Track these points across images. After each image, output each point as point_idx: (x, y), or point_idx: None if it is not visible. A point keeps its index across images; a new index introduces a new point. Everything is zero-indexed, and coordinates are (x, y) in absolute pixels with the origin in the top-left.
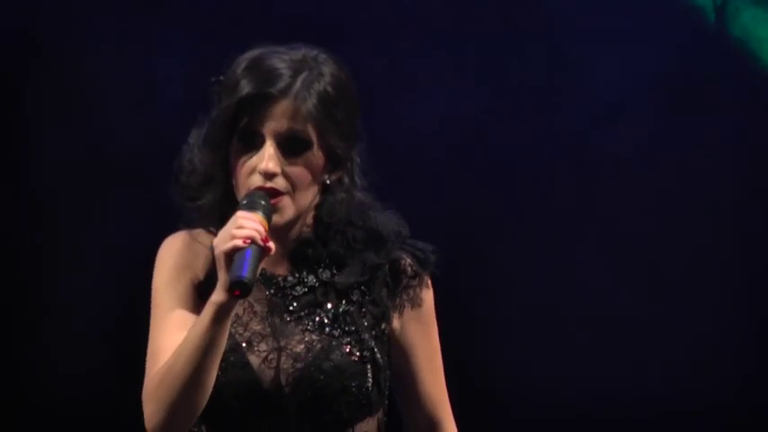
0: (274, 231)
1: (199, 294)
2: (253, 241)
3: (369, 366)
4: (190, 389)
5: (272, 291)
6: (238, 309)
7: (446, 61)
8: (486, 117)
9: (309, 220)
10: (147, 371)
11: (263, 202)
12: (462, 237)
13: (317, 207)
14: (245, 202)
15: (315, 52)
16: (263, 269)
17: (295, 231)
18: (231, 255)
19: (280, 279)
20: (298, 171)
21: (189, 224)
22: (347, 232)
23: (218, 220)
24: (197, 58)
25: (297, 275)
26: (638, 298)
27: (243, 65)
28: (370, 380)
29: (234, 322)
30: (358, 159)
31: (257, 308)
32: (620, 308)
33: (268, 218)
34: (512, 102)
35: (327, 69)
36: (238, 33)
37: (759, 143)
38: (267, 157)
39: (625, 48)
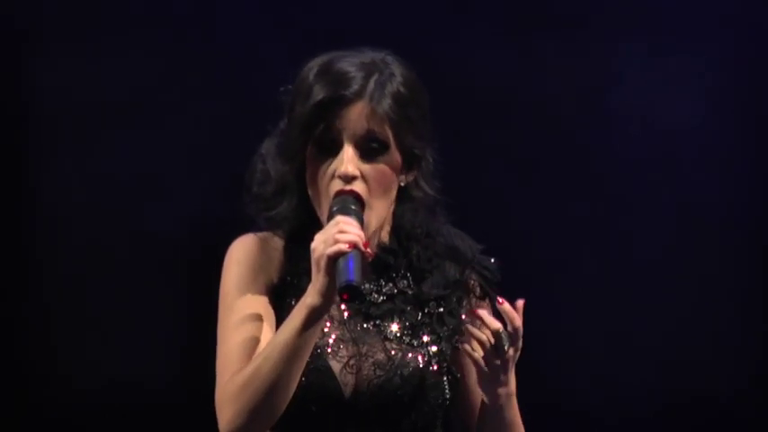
0: None
1: (273, 297)
2: (356, 246)
3: (446, 378)
4: (275, 392)
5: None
6: None
7: None
8: None
9: (388, 226)
10: (219, 373)
11: (353, 207)
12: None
13: (396, 215)
14: (336, 207)
15: (382, 54)
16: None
17: (375, 238)
18: (335, 259)
19: None
20: (376, 174)
21: (256, 228)
22: (427, 243)
23: (293, 228)
24: None
25: (375, 283)
26: (637, 296)
27: (314, 70)
28: (448, 391)
29: None
30: (431, 161)
31: (334, 313)
32: (617, 307)
33: (361, 223)
34: None
35: (398, 70)
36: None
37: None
38: (346, 160)
39: None
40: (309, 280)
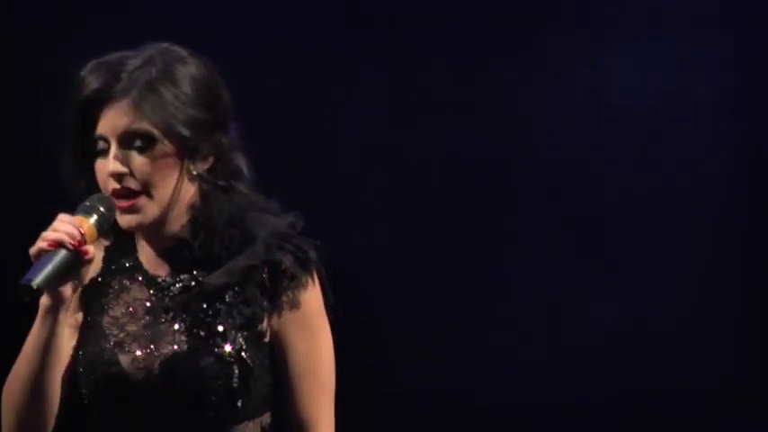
0: (148, 232)
1: (86, 296)
2: (61, 245)
3: (235, 367)
4: (31, 389)
5: (152, 291)
6: (118, 311)
7: None
8: None
9: (186, 218)
10: None
11: (101, 208)
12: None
13: (194, 206)
14: (86, 204)
15: (165, 47)
16: (145, 270)
17: (171, 230)
18: (38, 256)
19: (160, 279)
20: (146, 168)
21: None
22: (223, 233)
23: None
24: None
25: (174, 276)
26: (635, 295)
27: (88, 66)
28: (237, 381)
29: (111, 324)
30: (228, 148)
31: (135, 308)
32: (615, 306)
33: (101, 224)
34: None
35: (175, 63)
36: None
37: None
38: (111, 159)
39: None
40: (121, 281)
